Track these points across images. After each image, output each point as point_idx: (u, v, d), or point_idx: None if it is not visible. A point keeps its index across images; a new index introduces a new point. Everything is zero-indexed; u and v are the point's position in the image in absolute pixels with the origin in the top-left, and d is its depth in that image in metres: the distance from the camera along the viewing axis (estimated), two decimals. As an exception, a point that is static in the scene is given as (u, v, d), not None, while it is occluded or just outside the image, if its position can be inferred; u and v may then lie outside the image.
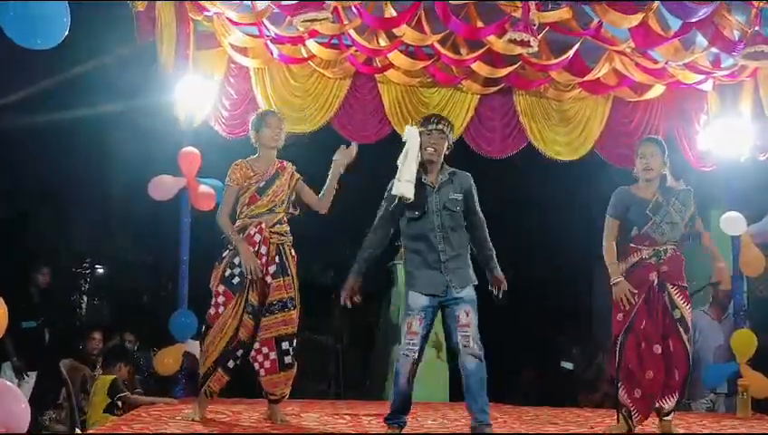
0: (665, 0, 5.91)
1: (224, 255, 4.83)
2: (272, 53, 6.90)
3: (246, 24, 6.53)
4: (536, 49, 6.20)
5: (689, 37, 6.40)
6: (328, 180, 5.00)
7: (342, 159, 5.03)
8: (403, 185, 4.29)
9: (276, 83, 7.26)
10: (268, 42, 6.75)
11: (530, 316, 10.59)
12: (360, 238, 4.64)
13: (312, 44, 6.82)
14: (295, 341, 4.83)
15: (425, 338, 4.31)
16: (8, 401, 3.35)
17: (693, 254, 4.78)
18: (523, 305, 10.25)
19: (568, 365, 9.53)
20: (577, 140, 7.79)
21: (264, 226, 4.79)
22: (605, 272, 4.74)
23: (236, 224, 4.86)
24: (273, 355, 4.76)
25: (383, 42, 6.88)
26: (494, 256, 4.46)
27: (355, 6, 6.29)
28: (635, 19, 6.04)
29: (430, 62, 7.07)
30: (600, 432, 4.96)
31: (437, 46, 6.75)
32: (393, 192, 4.33)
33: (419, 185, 4.35)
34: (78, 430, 6.16)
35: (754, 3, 5.87)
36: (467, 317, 4.23)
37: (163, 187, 6.73)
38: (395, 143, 7.71)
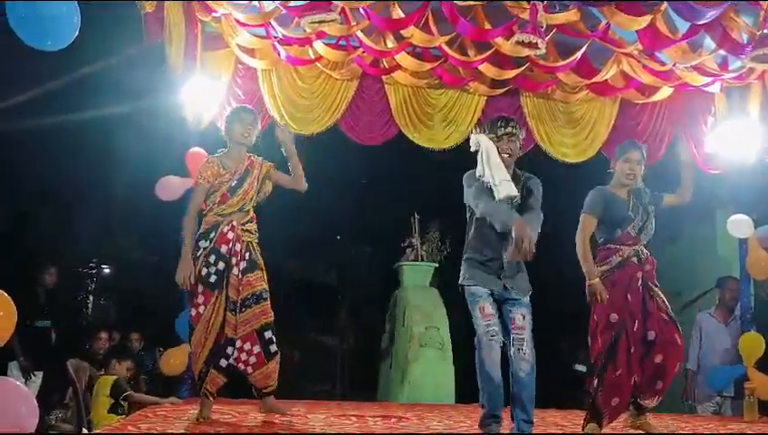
0: (673, 0, 5.90)
1: (197, 254, 4.80)
2: (279, 55, 6.91)
3: (254, 25, 6.54)
4: (544, 51, 6.19)
5: (697, 39, 6.38)
6: (289, 161, 4.98)
7: (284, 135, 5.00)
8: (504, 186, 4.16)
9: (283, 84, 7.27)
10: (276, 43, 6.76)
11: (534, 319, 10.59)
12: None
13: (319, 46, 6.83)
14: (274, 328, 4.86)
15: (499, 320, 4.14)
16: (17, 401, 3.36)
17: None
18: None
19: (581, 368, 9.53)
20: (584, 142, 7.79)
21: (235, 223, 4.82)
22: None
23: (206, 219, 4.87)
24: (257, 349, 4.79)
25: (390, 43, 6.89)
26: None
27: (362, 8, 6.30)
28: (643, 21, 6.03)
29: (437, 63, 7.08)
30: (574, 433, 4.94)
31: (445, 48, 6.75)
32: (499, 197, 4.15)
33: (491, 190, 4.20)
34: (85, 430, 6.18)
35: (763, 5, 5.86)
36: (524, 320, 4.15)
37: (170, 187, 6.74)
38: (401, 145, 7.78)
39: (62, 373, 6.58)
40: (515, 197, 4.21)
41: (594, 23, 6.45)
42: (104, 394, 6.18)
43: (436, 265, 9.38)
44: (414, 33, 6.57)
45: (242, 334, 4.77)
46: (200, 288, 4.76)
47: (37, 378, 6.80)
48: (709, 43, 6.41)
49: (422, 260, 9.11)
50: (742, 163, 7.30)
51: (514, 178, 4.30)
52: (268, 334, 4.82)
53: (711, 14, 5.77)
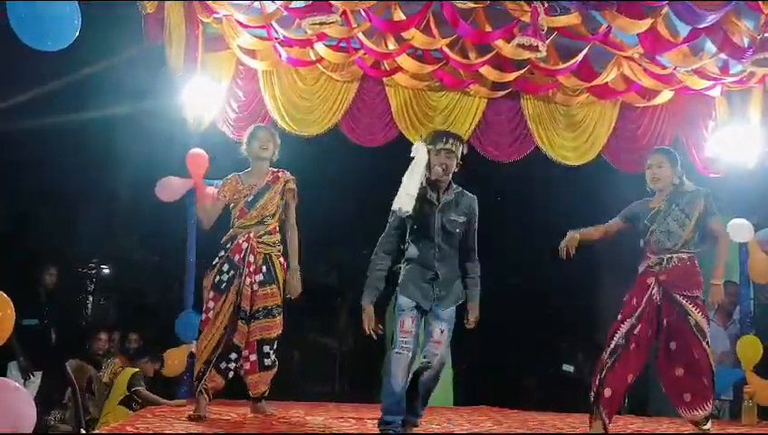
0: (674, 1, 5.90)
1: (214, 262, 5.00)
2: (280, 56, 6.91)
3: (255, 26, 6.54)
4: (544, 54, 6.20)
5: (698, 43, 6.38)
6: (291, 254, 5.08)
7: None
8: (403, 198, 4.24)
9: (284, 86, 7.28)
10: (277, 44, 6.76)
11: (531, 322, 10.59)
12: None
13: (320, 47, 6.84)
14: (276, 344, 5.03)
15: (417, 337, 4.27)
16: (15, 401, 3.36)
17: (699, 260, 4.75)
18: (525, 311, 10.26)
19: (569, 368, 9.51)
20: (584, 145, 7.79)
21: (251, 235, 4.97)
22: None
23: (228, 233, 5.06)
24: (253, 357, 4.99)
25: (391, 45, 6.89)
26: (478, 285, 4.41)
27: (363, 10, 6.30)
28: (644, 24, 6.03)
29: (438, 65, 7.08)
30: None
31: (446, 50, 6.75)
32: (393, 206, 4.27)
33: (424, 202, 4.30)
34: (83, 430, 6.18)
35: (764, 9, 5.86)
36: (441, 335, 4.28)
37: (170, 188, 6.76)
38: (401, 146, 7.76)
39: (61, 374, 6.58)
40: (406, 214, 4.24)
41: (595, 26, 6.45)
42: (123, 384, 6.25)
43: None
44: (415, 36, 6.57)
45: (246, 343, 4.96)
46: (211, 294, 4.94)
47: (36, 378, 6.80)
48: (710, 46, 6.41)
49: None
50: (742, 167, 7.31)
51: (450, 194, 4.35)
52: (266, 348, 4.99)
53: (712, 18, 5.77)
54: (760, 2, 5.77)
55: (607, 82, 7.14)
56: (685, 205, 4.66)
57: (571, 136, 7.78)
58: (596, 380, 4.58)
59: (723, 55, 6.43)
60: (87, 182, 9.58)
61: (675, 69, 6.72)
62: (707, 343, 4.59)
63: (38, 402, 3.80)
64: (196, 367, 4.94)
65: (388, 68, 7.24)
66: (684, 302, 4.57)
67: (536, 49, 5.99)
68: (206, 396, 4.87)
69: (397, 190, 4.34)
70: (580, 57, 6.68)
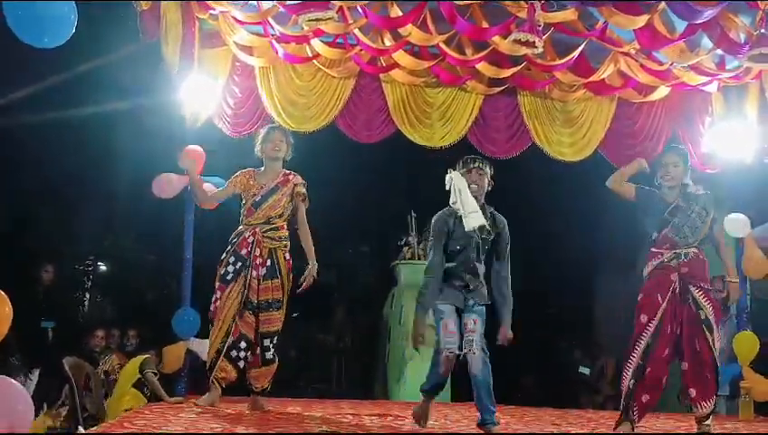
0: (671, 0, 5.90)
1: (222, 257, 5.20)
2: (277, 52, 6.90)
3: (252, 23, 6.54)
4: (541, 50, 6.20)
5: (695, 39, 6.39)
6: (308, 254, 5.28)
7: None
8: (473, 217, 4.51)
9: (281, 82, 7.27)
10: (273, 41, 6.75)
11: (531, 321, 10.60)
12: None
13: (316, 44, 6.83)
14: (276, 338, 5.19)
15: (461, 335, 4.53)
16: (12, 400, 3.36)
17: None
18: (525, 310, 10.24)
19: (585, 370, 9.58)
20: (581, 141, 7.80)
21: (258, 230, 5.15)
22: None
23: (237, 229, 5.23)
24: (258, 350, 5.17)
25: (388, 41, 6.88)
26: (510, 305, 4.71)
27: (360, 6, 6.30)
28: (640, 20, 6.03)
29: (435, 61, 7.08)
30: (605, 432, 4.96)
31: (443, 46, 6.75)
32: (467, 228, 4.51)
33: (461, 222, 4.54)
34: (81, 429, 6.16)
35: (760, 5, 5.87)
36: (474, 325, 4.52)
37: (167, 185, 6.74)
38: (398, 143, 7.78)
39: (58, 371, 6.57)
40: (484, 225, 4.55)
41: (592, 22, 6.45)
42: (134, 367, 6.31)
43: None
44: (412, 32, 6.57)
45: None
46: (218, 285, 5.16)
47: (33, 376, 6.79)
48: (707, 42, 6.42)
49: (419, 259, 9.09)
50: (739, 163, 7.32)
51: (486, 213, 4.63)
52: (266, 342, 5.16)
53: (709, 14, 5.77)
54: (756, -2, 5.79)
55: (603, 78, 7.15)
56: (703, 205, 4.69)
57: (568, 132, 7.79)
58: (627, 382, 4.61)
59: (719, 51, 6.44)
60: (84, 179, 9.55)
61: (671, 65, 6.72)
62: (714, 338, 4.59)
63: (35, 400, 3.79)
64: (209, 356, 5.16)
65: (384, 64, 7.23)
66: (698, 295, 4.59)
67: (533, 45, 5.99)
68: (217, 386, 5.07)
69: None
70: (576, 53, 6.69)
